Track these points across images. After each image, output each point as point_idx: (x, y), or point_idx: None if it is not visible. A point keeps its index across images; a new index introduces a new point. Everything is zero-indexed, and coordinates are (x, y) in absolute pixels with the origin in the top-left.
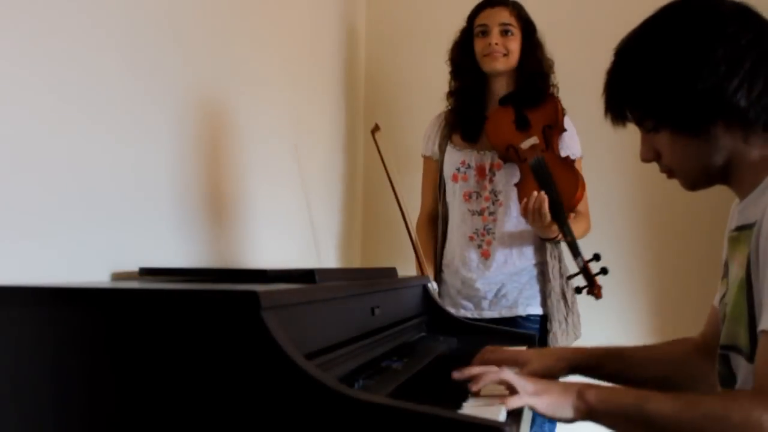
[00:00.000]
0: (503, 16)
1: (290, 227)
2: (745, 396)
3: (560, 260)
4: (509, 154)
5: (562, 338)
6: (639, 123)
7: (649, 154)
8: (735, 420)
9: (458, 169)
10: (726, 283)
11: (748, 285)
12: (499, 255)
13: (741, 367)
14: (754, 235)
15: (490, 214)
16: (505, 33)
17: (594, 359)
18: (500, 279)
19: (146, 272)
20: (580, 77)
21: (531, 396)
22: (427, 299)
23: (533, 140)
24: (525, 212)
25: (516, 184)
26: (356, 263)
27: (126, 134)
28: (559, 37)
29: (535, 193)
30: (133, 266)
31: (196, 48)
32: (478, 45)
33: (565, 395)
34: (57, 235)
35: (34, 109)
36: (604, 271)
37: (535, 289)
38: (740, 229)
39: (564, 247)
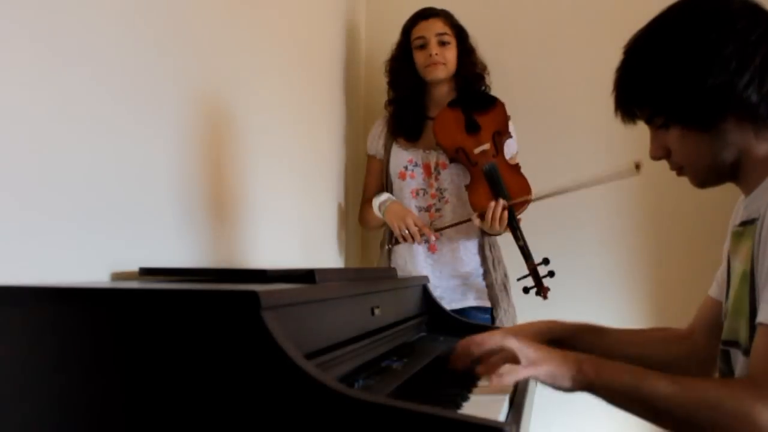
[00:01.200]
0: (438, 26)
1: (290, 227)
2: (739, 385)
3: (497, 251)
4: (459, 156)
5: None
6: (649, 120)
7: (659, 152)
8: (726, 408)
9: (406, 167)
10: (727, 277)
11: (751, 279)
12: (446, 249)
13: (738, 362)
14: (758, 228)
15: (437, 210)
16: (442, 44)
17: (570, 332)
18: (448, 274)
19: (146, 272)
20: (580, 75)
21: (531, 366)
22: (427, 299)
23: (485, 146)
24: (486, 221)
25: (466, 186)
26: (356, 263)
27: (126, 134)
28: (560, 37)
29: (493, 203)
30: (133, 266)
31: (196, 46)
32: (419, 57)
33: (564, 366)
34: (57, 235)
35: (33, 109)
36: (551, 274)
37: (482, 287)
38: (744, 224)
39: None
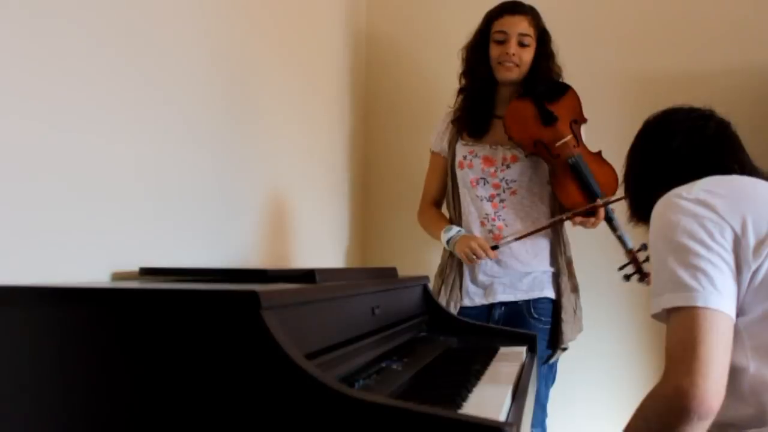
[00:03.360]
0: (522, 26)
1: (291, 227)
2: (657, 386)
3: (569, 259)
4: (538, 150)
5: (571, 330)
6: None
7: None
8: (659, 405)
9: (465, 157)
10: None
11: None
12: (515, 249)
13: None
14: None
15: (501, 201)
16: (521, 44)
17: None
18: (513, 272)
19: (146, 272)
20: (587, 77)
21: None
22: (427, 299)
23: (565, 138)
24: (580, 223)
25: (550, 182)
26: (356, 263)
27: (126, 133)
28: (566, 37)
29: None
30: (133, 266)
31: (198, 46)
32: (495, 50)
33: None
34: (57, 235)
35: (33, 108)
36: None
37: (548, 281)
38: None
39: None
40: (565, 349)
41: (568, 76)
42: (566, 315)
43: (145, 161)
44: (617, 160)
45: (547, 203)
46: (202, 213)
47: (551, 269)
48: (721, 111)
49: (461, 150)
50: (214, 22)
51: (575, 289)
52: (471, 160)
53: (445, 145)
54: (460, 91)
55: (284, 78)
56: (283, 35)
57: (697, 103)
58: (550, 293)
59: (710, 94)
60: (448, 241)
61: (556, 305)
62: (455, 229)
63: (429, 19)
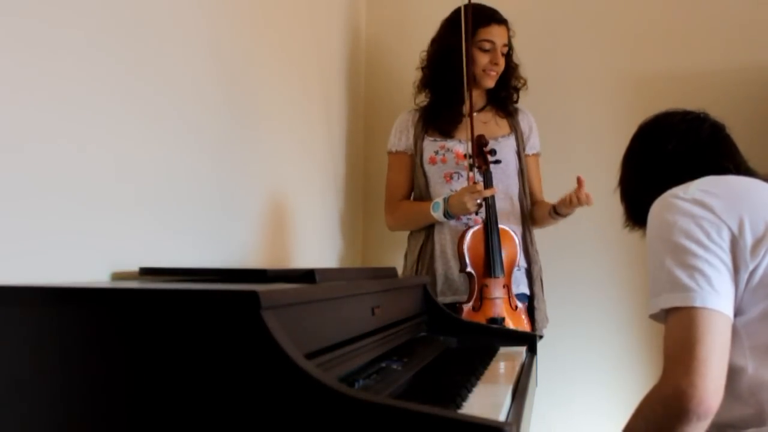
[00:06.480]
0: (505, 36)
1: (290, 227)
2: (654, 387)
3: (537, 250)
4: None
5: (542, 318)
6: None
7: None
8: (665, 392)
9: (436, 152)
10: None
11: None
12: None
13: None
14: None
15: None
16: (502, 54)
17: None
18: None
19: (146, 272)
20: (582, 77)
21: None
22: (427, 299)
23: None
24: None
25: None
26: (356, 263)
27: (127, 134)
28: (564, 38)
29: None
30: (133, 266)
31: (199, 49)
32: (482, 59)
33: None
34: (57, 235)
35: (33, 108)
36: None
37: (523, 272)
38: None
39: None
40: (540, 337)
41: (567, 77)
42: (538, 302)
43: (145, 162)
44: (614, 161)
45: (516, 195)
46: (202, 213)
47: (525, 265)
48: (720, 111)
49: (431, 146)
50: (214, 24)
51: (541, 280)
52: (444, 155)
53: (411, 143)
54: (426, 85)
55: (284, 80)
56: (282, 37)
57: (696, 103)
58: (525, 289)
59: (709, 95)
60: (444, 209)
61: (529, 298)
62: (436, 200)
63: (428, 21)
